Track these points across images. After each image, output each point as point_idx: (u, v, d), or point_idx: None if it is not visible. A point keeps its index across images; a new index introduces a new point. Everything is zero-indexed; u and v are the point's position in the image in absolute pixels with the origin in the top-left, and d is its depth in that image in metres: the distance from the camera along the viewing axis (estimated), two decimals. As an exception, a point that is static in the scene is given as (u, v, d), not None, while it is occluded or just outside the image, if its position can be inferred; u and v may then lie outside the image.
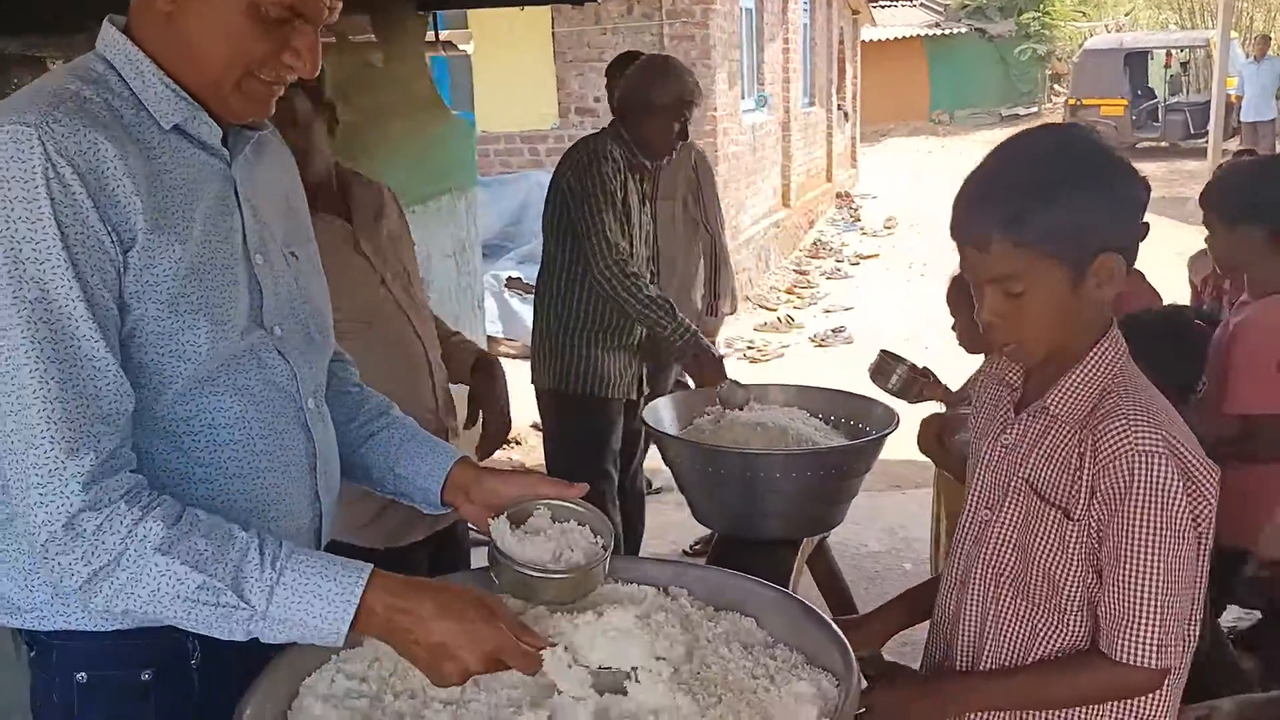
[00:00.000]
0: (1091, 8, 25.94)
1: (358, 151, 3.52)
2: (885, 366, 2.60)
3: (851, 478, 2.56)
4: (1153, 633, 1.25)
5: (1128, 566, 1.26)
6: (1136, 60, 18.04)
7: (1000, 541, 1.40)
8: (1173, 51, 18.76)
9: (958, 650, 1.46)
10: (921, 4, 25.31)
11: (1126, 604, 1.26)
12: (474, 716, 1.10)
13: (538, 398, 3.23)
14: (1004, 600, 1.39)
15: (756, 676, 1.16)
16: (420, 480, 1.37)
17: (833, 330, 7.55)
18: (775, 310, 8.50)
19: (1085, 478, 1.29)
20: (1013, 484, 1.39)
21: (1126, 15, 25.90)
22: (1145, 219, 1.32)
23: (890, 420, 2.63)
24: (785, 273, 9.97)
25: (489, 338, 6.79)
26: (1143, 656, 1.26)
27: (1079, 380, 1.32)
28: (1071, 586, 1.33)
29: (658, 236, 3.32)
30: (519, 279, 6.89)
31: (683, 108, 3.00)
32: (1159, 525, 1.24)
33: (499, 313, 6.91)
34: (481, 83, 8.31)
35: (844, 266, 10.23)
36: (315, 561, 1.11)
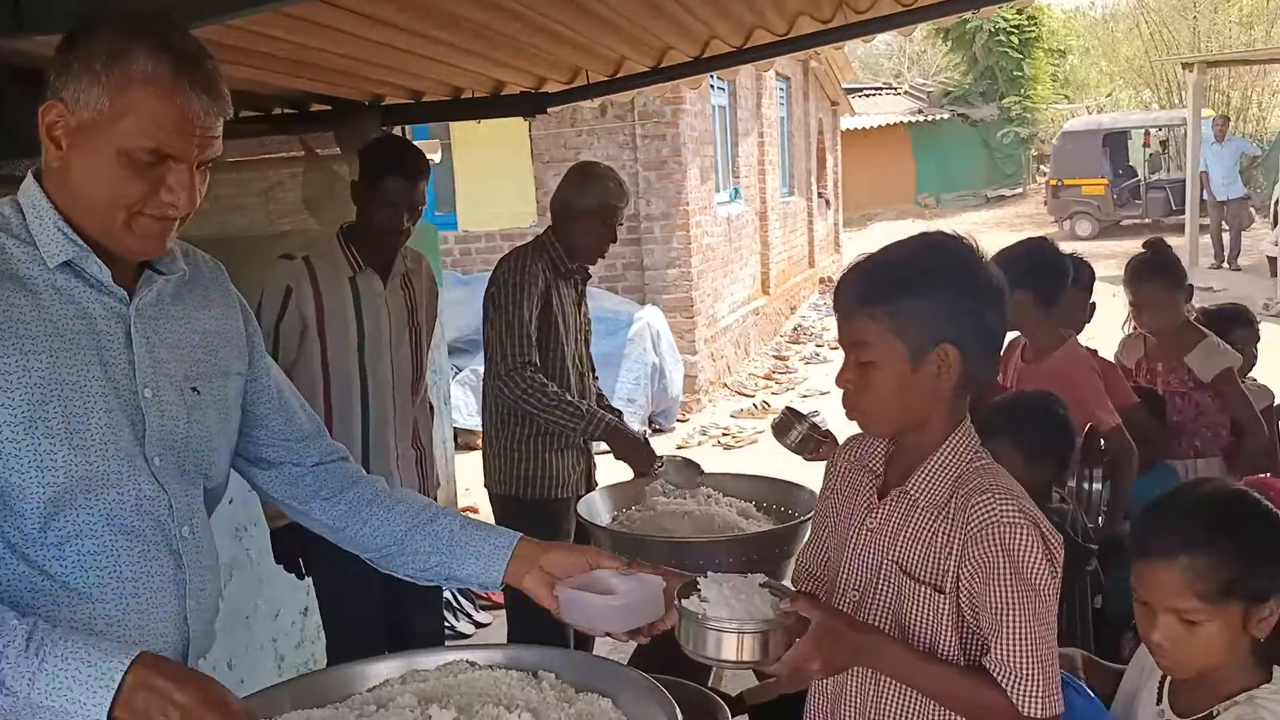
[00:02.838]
0: (1072, 90, 26.65)
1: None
2: (786, 424, 2.73)
3: (778, 562, 2.65)
4: (1038, 686, 1.36)
5: (1006, 630, 1.37)
6: (1116, 140, 18.51)
7: (875, 622, 1.49)
8: (1151, 131, 19.23)
9: (847, 700, 1.52)
10: (905, 92, 26.01)
11: (1011, 664, 1.37)
12: None
13: (490, 501, 3.30)
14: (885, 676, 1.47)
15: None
16: (480, 570, 1.47)
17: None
18: (753, 396, 8.63)
19: (953, 554, 1.41)
20: (883, 567, 1.48)
21: (1107, 96, 26.59)
22: (998, 328, 1.46)
23: (814, 504, 2.73)
24: (765, 359, 10.12)
25: (467, 430, 6.91)
26: (1031, 708, 1.36)
27: (936, 466, 1.45)
28: (951, 654, 1.43)
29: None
30: (498, 373, 7.02)
31: (606, 212, 3.08)
32: (1029, 588, 1.36)
33: (476, 407, 7.04)
34: (464, 185, 8.58)
35: (823, 351, 10.37)
36: (79, 647, 1.13)
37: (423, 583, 1.54)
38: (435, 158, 5.76)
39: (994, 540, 1.36)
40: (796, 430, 2.71)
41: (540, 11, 2.95)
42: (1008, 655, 1.36)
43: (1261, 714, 1.38)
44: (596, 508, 2.89)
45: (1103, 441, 2.72)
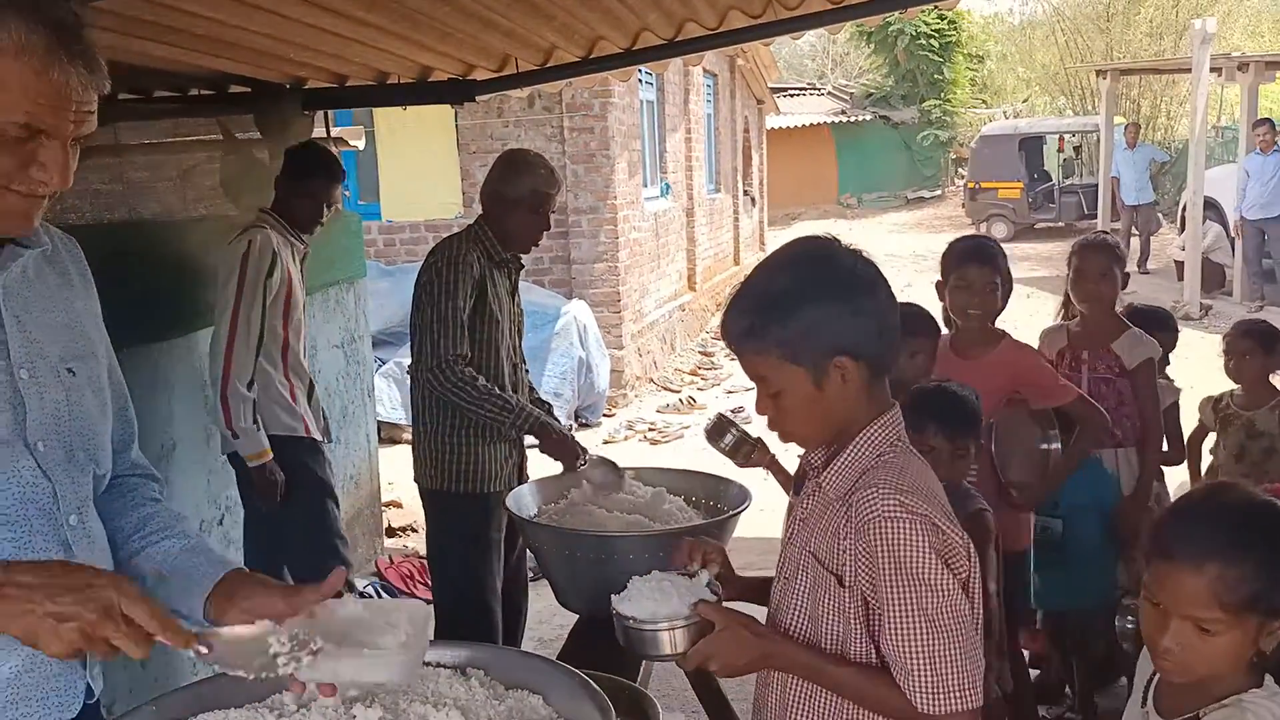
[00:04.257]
0: (990, 95, 27.35)
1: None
2: (720, 428, 2.76)
3: (707, 556, 2.63)
4: (927, 682, 1.34)
5: (889, 625, 1.36)
6: (1031, 145, 19.00)
7: (795, 611, 1.50)
8: (1065, 136, 19.81)
9: (769, 709, 1.54)
10: (829, 93, 26.38)
11: (899, 659, 1.36)
12: None
13: (420, 495, 3.24)
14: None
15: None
16: (184, 591, 1.33)
17: (733, 410, 7.69)
18: (679, 392, 8.65)
19: (850, 546, 1.41)
20: (803, 556, 1.50)
21: (1024, 102, 27.33)
22: (889, 324, 1.46)
23: (744, 499, 2.73)
24: (690, 354, 10.16)
25: (391, 424, 6.79)
26: (924, 704, 1.35)
27: (847, 460, 1.45)
28: (857, 651, 1.42)
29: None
30: (422, 366, 6.91)
31: (538, 200, 3.04)
32: (913, 581, 1.35)
33: (401, 400, 6.91)
34: (388, 174, 8.44)
35: (750, 346, 10.44)
36: None
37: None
38: (359, 144, 5.64)
39: (875, 534, 1.36)
40: (730, 435, 2.73)
41: (470, -4, 2.90)
42: (895, 650, 1.36)
43: (1248, 717, 1.37)
44: (525, 501, 2.85)
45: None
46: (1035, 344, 3.23)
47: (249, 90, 3.93)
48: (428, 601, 3.22)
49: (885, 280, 1.46)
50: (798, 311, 1.40)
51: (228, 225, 3.83)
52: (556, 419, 3.25)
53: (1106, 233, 3.34)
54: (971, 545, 1.42)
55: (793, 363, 1.41)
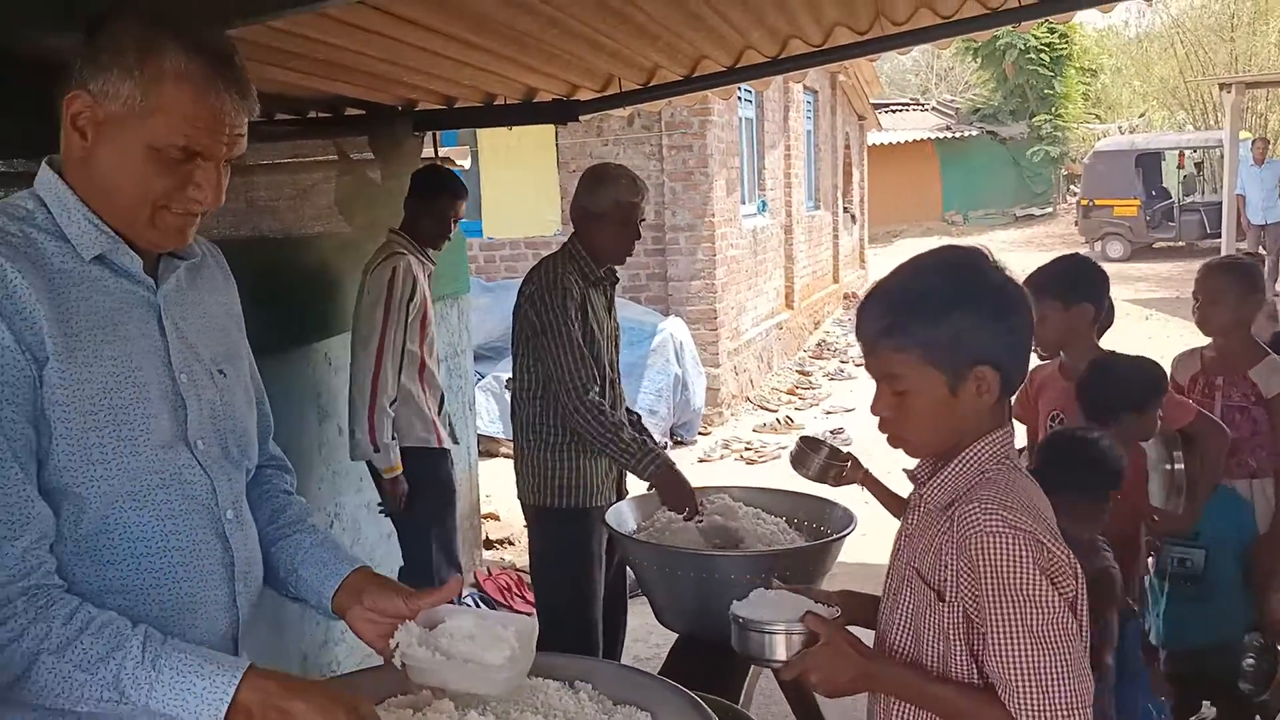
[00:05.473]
0: (1104, 109, 26.46)
1: (359, 262, 3.71)
2: (803, 454, 2.68)
3: (810, 580, 2.60)
4: (1033, 700, 1.30)
5: (994, 642, 1.33)
6: (1149, 161, 18.32)
7: (899, 628, 1.48)
8: (1185, 152, 19.02)
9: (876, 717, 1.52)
10: (932, 108, 25.93)
11: (1004, 677, 1.32)
12: None
13: (523, 511, 3.26)
14: None
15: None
16: (316, 584, 1.43)
17: (832, 431, 7.59)
18: (775, 411, 8.57)
19: (951, 561, 1.39)
20: (907, 572, 1.48)
21: (1140, 116, 26.36)
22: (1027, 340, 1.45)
23: (849, 522, 2.69)
24: (787, 374, 10.06)
25: (489, 438, 6.90)
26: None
27: (951, 474, 1.43)
28: (958, 669, 1.39)
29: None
30: (521, 380, 7.01)
31: (624, 211, 3.02)
32: (1017, 597, 1.31)
33: (499, 413, 7.02)
34: (490, 192, 8.61)
35: (847, 367, 10.30)
36: (192, 659, 1.19)
37: (289, 599, 1.49)
38: (465, 164, 5.77)
39: (977, 549, 1.33)
40: (814, 459, 2.66)
41: (578, 18, 2.94)
42: (1000, 669, 1.33)
43: None
44: (625, 517, 2.85)
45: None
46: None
47: (363, 112, 4.06)
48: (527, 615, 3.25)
49: (1025, 295, 1.45)
50: (949, 315, 1.39)
51: (342, 241, 3.97)
52: (651, 435, 3.26)
53: (1252, 253, 3.17)
54: (1079, 567, 1.38)
55: (933, 365, 1.40)
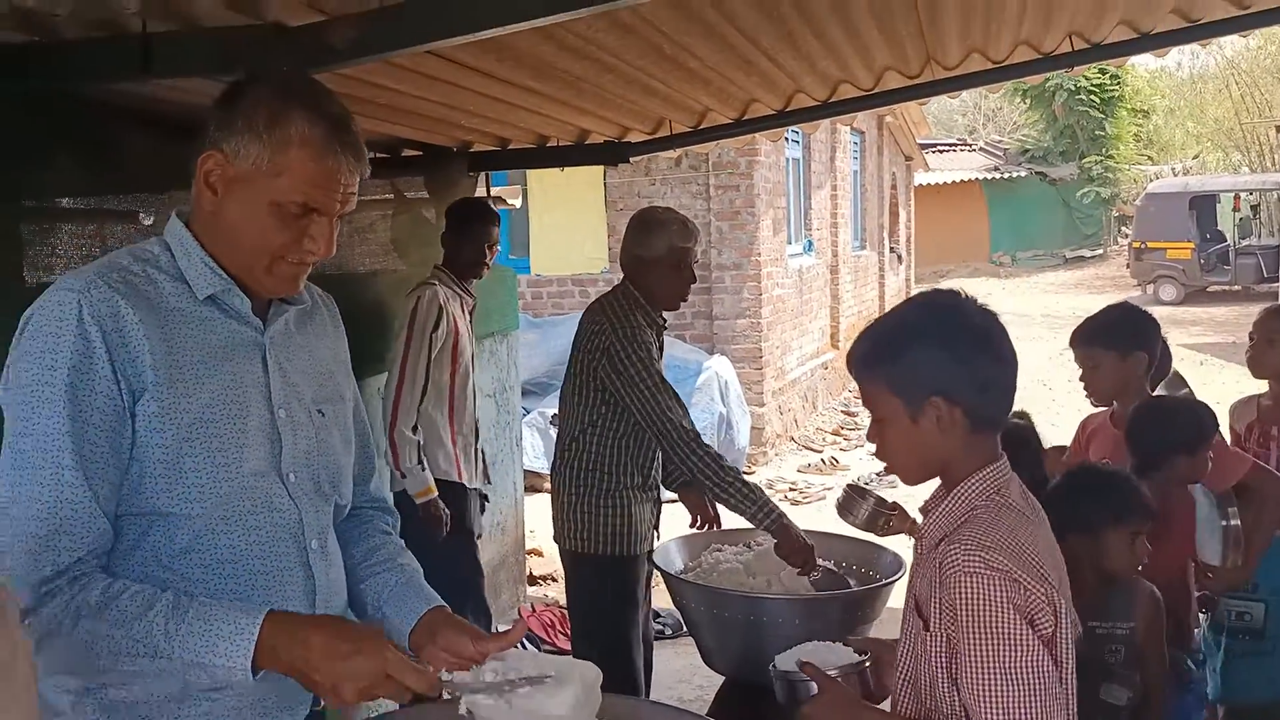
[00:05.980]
0: (1156, 151, 26.15)
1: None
2: (850, 501, 2.67)
3: (858, 624, 2.58)
4: None
5: (973, 677, 1.36)
6: (1204, 203, 18.07)
7: (904, 657, 1.54)
8: (1241, 194, 18.73)
9: None
10: (980, 149, 25.83)
11: (980, 709, 1.35)
12: None
13: (561, 555, 3.15)
14: (911, 710, 1.53)
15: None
16: (397, 621, 1.50)
17: (877, 474, 7.51)
18: (820, 451, 8.51)
19: (935, 594, 1.44)
20: (911, 605, 1.54)
21: (1194, 158, 26.00)
22: (999, 384, 1.49)
23: (899, 568, 2.67)
24: (832, 414, 10.00)
25: (534, 473, 6.93)
26: None
27: (945, 510, 1.49)
28: (939, 698, 1.43)
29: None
30: (567, 417, 7.04)
31: (677, 256, 2.97)
32: (990, 635, 1.35)
33: (544, 449, 7.06)
34: (538, 230, 8.73)
35: (895, 407, 10.20)
36: (217, 609, 1.27)
37: None
38: (516, 203, 5.86)
39: (955, 588, 1.38)
40: (862, 507, 2.65)
41: (633, 64, 3.00)
42: (975, 703, 1.36)
43: None
44: (671, 556, 2.86)
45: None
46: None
47: (420, 153, 4.16)
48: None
49: (1003, 338, 1.51)
50: (908, 346, 1.49)
51: (397, 279, 4.05)
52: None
53: None
54: (1060, 603, 1.40)
55: (894, 394, 1.49)
